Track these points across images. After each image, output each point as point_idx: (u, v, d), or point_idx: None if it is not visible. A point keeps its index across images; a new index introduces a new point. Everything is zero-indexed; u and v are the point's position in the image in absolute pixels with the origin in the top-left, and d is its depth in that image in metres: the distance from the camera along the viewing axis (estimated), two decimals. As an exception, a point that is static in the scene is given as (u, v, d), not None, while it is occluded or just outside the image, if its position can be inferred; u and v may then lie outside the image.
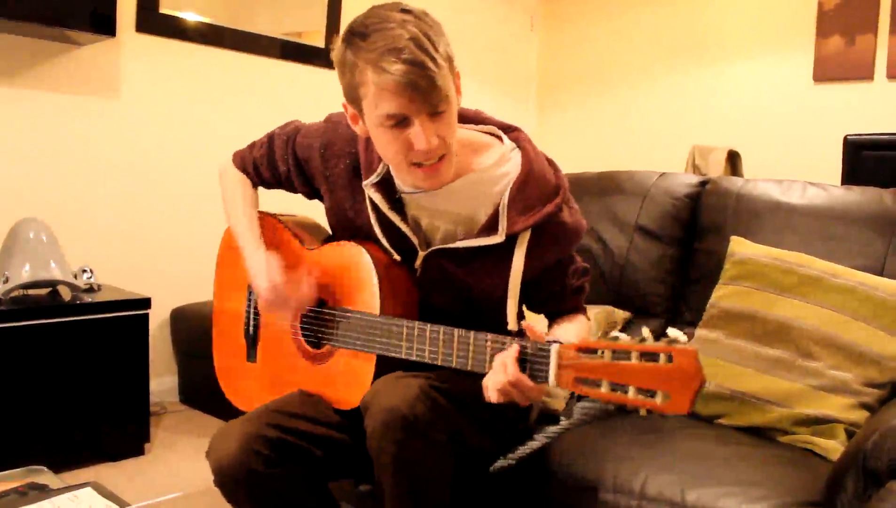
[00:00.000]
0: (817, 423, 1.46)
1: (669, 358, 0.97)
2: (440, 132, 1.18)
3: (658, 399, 0.98)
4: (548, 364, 1.07)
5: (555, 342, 1.09)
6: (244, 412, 1.33)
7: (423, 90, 1.13)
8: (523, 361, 1.10)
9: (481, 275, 1.31)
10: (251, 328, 1.49)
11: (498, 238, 1.26)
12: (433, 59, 1.12)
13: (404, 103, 1.14)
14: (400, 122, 1.17)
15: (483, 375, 1.15)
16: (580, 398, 1.75)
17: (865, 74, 3.46)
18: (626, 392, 1.00)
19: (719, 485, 1.25)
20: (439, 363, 1.20)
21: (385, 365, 1.27)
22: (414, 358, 1.23)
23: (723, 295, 1.66)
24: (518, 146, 1.33)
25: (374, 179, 1.31)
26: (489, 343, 1.16)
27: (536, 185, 1.29)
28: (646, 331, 1.02)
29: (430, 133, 1.16)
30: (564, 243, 1.34)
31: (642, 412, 0.99)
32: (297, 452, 1.25)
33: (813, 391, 1.48)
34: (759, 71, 3.79)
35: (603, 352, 1.02)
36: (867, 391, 1.47)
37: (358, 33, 1.16)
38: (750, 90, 3.82)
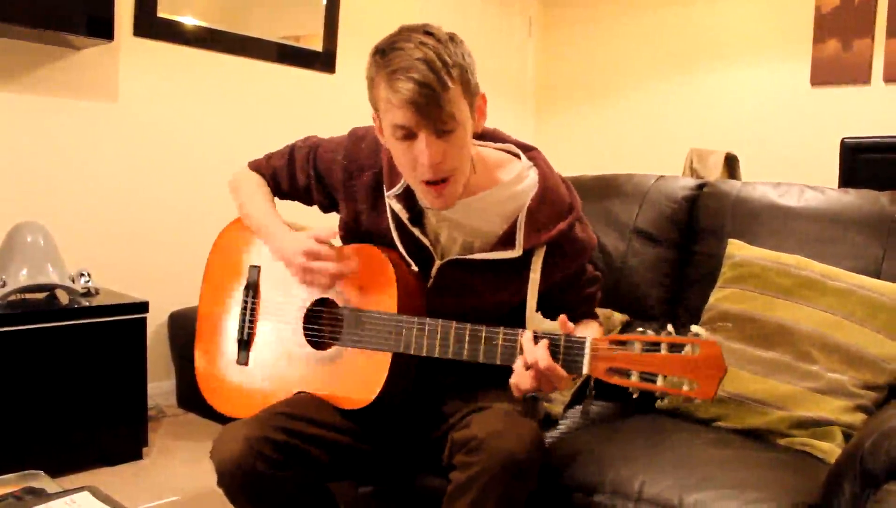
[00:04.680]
0: (815, 425, 1.46)
1: (695, 349, 1.07)
2: (447, 151, 1.22)
3: (685, 387, 1.08)
4: (582, 355, 1.16)
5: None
6: (236, 418, 1.33)
7: (428, 109, 1.18)
8: (555, 352, 1.17)
9: (496, 286, 1.36)
10: (245, 332, 1.47)
11: (515, 253, 1.32)
12: (441, 82, 1.18)
13: (410, 118, 1.20)
14: (408, 135, 1.22)
15: (493, 366, 1.23)
16: (578, 402, 1.75)
17: (862, 77, 3.47)
18: (654, 382, 1.09)
19: (717, 488, 1.25)
20: (449, 355, 1.26)
21: (401, 363, 1.31)
22: (436, 355, 1.27)
23: (720, 298, 1.66)
24: (535, 165, 1.39)
25: (396, 190, 1.36)
26: (507, 337, 1.23)
27: (552, 202, 1.36)
28: (670, 327, 1.13)
29: (434, 149, 1.21)
30: (577, 257, 1.41)
31: (665, 401, 1.10)
32: (300, 455, 1.26)
33: (810, 394, 1.48)
34: (757, 75, 3.80)
35: (633, 344, 1.11)
36: (864, 394, 1.47)
37: (381, 51, 1.23)
38: (748, 94, 3.83)
